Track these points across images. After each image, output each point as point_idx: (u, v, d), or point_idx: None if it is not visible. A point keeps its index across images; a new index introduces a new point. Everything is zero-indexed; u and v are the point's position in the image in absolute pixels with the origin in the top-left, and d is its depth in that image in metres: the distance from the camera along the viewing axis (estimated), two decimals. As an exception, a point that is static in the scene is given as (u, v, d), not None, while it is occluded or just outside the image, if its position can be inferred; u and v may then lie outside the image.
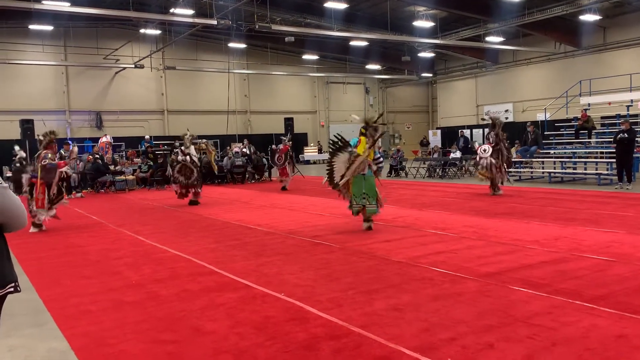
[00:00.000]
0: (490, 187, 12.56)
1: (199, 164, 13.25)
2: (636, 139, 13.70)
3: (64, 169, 9.73)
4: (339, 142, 8.19)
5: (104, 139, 21.50)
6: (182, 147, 13.03)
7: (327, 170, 8.34)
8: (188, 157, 12.77)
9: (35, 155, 9.64)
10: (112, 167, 18.07)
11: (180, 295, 5.04)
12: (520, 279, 5.11)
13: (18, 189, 9.44)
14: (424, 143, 25.26)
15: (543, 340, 3.62)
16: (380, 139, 8.33)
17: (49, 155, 9.45)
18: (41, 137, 9.78)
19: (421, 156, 22.77)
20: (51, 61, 25.75)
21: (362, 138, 8.08)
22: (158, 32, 25.19)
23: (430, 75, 35.15)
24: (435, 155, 21.63)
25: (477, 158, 12.56)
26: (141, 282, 5.59)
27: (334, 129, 33.96)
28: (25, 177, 9.39)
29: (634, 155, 13.75)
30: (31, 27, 23.17)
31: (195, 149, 13.43)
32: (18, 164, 9.45)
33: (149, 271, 6.06)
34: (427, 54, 30.87)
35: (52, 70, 26.54)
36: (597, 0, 20.25)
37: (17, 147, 9.90)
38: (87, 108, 27.44)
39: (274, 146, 17.15)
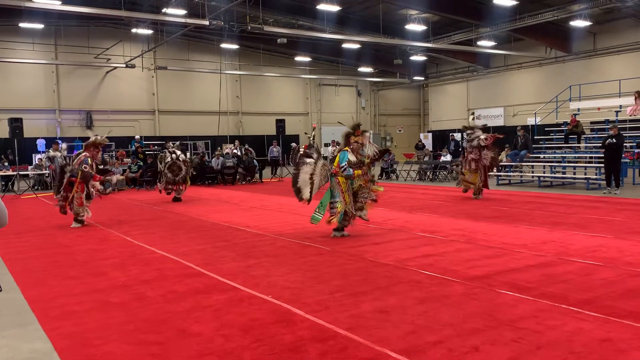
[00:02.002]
0: (474, 192, 12.52)
1: (188, 163, 14.07)
2: (624, 144, 13.82)
3: (95, 183, 9.84)
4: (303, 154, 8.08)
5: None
6: (168, 149, 14.01)
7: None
8: (177, 156, 13.65)
9: (74, 154, 9.88)
10: (101, 167, 17.93)
11: (166, 296, 5.00)
12: (507, 283, 5.13)
13: (57, 186, 9.86)
14: (420, 146, 25.29)
15: (528, 343, 3.63)
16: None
17: (89, 161, 9.65)
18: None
19: (417, 159, 22.78)
20: (41, 60, 25.57)
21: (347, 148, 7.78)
22: (150, 31, 25.07)
23: (422, 78, 35.27)
24: (426, 159, 21.71)
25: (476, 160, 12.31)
26: (128, 283, 5.55)
27: (325, 131, 34.00)
28: (66, 177, 9.66)
29: (622, 160, 13.86)
30: (22, 25, 22.99)
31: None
32: (63, 162, 9.79)
33: (136, 272, 6.01)
34: (419, 58, 30.99)
35: (43, 69, 26.36)
36: (588, 6, 20.43)
37: (65, 144, 10.21)
38: (78, 107, 27.28)
39: (294, 144, 19.64)
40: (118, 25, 26.43)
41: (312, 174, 7.84)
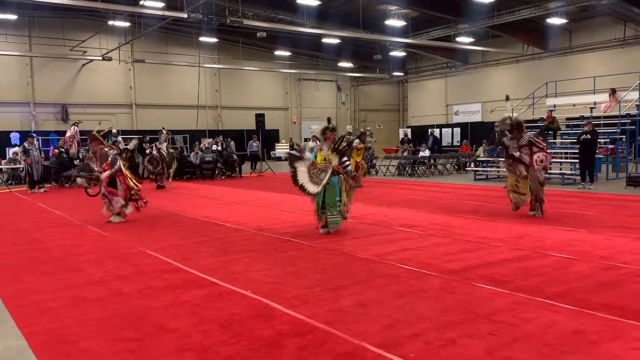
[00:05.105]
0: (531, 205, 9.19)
1: (166, 158, 15.73)
2: (598, 140, 14.08)
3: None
4: (296, 152, 7.81)
5: (68, 133, 20.96)
6: (157, 143, 15.76)
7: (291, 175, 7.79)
8: (157, 152, 15.43)
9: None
10: (76, 162, 17.66)
11: (144, 292, 4.96)
12: (483, 276, 5.20)
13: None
14: (405, 141, 25.33)
15: (504, 336, 3.69)
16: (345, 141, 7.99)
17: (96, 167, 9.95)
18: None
19: (401, 154, 22.85)
20: (15, 51, 24.99)
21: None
22: (127, 24, 24.68)
23: (402, 74, 35.41)
24: (405, 154, 21.84)
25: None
26: (104, 278, 5.48)
27: (305, 125, 33.99)
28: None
29: (596, 156, 14.13)
30: (-6, 16, 22.45)
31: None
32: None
33: (113, 267, 5.94)
34: (399, 53, 31.10)
35: (16, 61, 25.78)
36: (564, 4, 20.73)
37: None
38: (53, 100, 26.77)
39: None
40: (94, 17, 25.97)
41: (309, 170, 7.66)
